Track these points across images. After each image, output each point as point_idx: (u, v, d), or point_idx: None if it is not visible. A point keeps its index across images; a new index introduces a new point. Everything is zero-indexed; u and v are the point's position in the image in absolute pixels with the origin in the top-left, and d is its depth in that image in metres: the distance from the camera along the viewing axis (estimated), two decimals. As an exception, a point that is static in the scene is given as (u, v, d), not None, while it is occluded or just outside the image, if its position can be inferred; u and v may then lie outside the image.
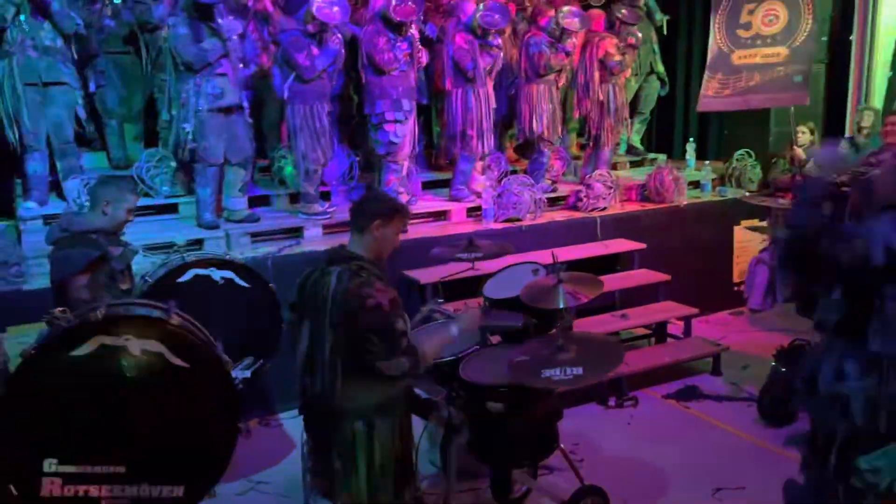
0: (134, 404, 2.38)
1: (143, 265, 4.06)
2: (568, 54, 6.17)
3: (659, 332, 5.54)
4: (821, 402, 2.49)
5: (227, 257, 4.07)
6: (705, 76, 6.87)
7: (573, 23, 6.09)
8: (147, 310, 2.65)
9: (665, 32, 7.68)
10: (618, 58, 6.42)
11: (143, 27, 5.84)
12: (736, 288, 6.35)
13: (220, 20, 4.86)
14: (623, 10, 6.62)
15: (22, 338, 3.63)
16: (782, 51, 6.53)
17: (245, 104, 5.15)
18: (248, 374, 3.35)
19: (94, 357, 2.32)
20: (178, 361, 2.43)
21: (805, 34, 6.43)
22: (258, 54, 5.68)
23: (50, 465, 2.26)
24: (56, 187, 5.43)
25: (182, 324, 2.60)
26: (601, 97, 6.48)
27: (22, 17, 4.93)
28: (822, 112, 7.23)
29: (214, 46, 4.82)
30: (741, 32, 6.71)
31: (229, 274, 3.75)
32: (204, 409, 2.49)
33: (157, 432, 2.40)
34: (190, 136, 4.93)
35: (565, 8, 6.18)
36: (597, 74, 6.48)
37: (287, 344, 3.78)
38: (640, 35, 6.69)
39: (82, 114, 5.34)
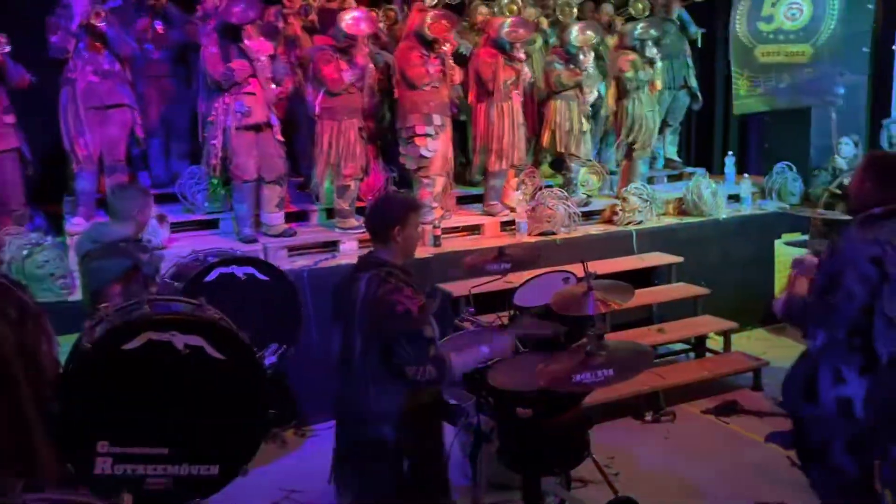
0: (176, 393, 2.59)
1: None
2: (581, 71, 6.14)
3: (697, 346, 5.45)
4: (821, 408, 2.53)
5: (245, 254, 4.29)
6: (733, 72, 6.78)
7: (583, 39, 6.10)
8: (183, 305, 2.83)
9: (700, 45, 7.62)
10: (630, 74, 6.39)
11: (189, 46, 6.03)
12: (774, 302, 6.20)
13: (247, 41, 5.01)
14: (641, 25, 6.57)
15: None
16: (806, 49, 6.40)
17: (275, 122, 5.24)
18: (274, 359, 3.52)
19: (143, 351, 2.52)
20: (216, 354, 2.60)
21: (828, 33, 6.29)
22: (287, 75, 5.82)
23: (102, 446, 2.48)
24: (103, 204, 5.61)
25: (218, 318, 2.76)
26: (632, 112, 6.46)
27: (81, 46, 5.15)
28: (866, 124, 7.08)
29: (242, 66, 4.96)
30: (763, 26, 6.60)
31: (250, 269, 3.97)
32: (237, 396, 2.69)
33: (196, 418, 2.61)
34: (219, 153, 5.08)
35: (576, 25, 6.20)
36: (616, 90, 6.48)
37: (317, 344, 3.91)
38: (655, 51, 6.60)
39: (140, 132, 5.52)
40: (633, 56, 6.43)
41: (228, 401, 2.67)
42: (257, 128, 5.11)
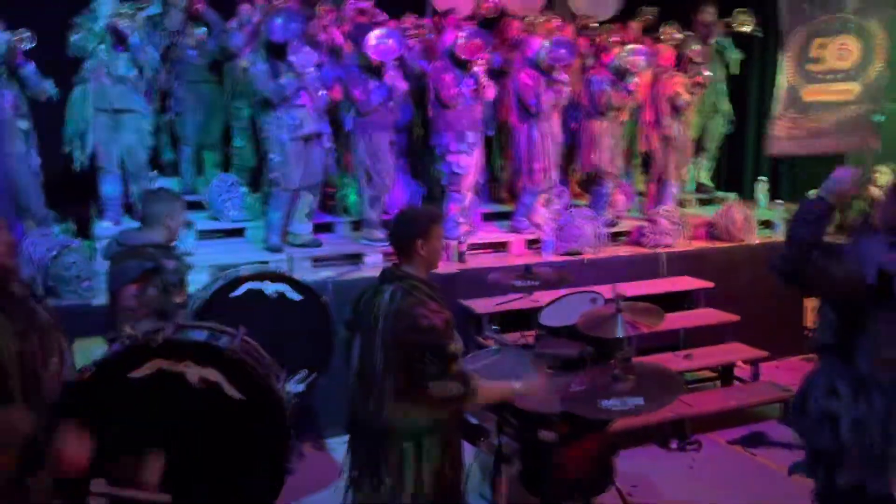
0: (184, 433, 2.33)
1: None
2: (630, 93, 6.11)
3: (725, 374, 5.32)
4: (810, 420, 2.49)
5: (280, 270, 4.10)
6: (774, 114, 6.70)
7: (637, 62, 6.05)
8: (212, 334, 2.58)
9: (738, 71, 7.53)
10: (686, 97, 6.35)
11: (223, 55, 6.07)
12: (807, 332, 6.06)
13: (292, 57, 5.05)
14: (694, 47, 6.54)
15: (89, 349, 3.76)
16: (854, 87, 6.31)
17: (326, 130, 5.29)
18: (301, 387, 3.34)
19: (151, 381, 2.27)
20: (234, 393, 2.35)
21: (877, 71, 6.21)
22: (333, 85, 5.85)
23: (97, 485, 2.21)
24: (129, 209, 5.65)
25: (245, 353, 2.51)
26: (668, 133, 6.41)
27: (102, 47, 5.20)
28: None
29: (290, 81, 5.00)
30: (811, 67, 6.54)
31: (283, 287, 3.76)
32: (254, 446, 2.42)
33: (207, 462, 2.35)
34: (272, 168, 5.13)
35: (629, 46, 6.15)
36: (665, 111, 6.41)
37: (340, 362, 3.82)
38: (708, 74, 6.57)
39: (150, 140, 5.56)
40: (684, 78, 6.40)
41: (243, 450, 2.39)
42: (307, 138, 5.16)
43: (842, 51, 6.39)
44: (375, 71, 5.36)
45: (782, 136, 6.64)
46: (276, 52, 5.04)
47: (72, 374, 2.30)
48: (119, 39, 5.21)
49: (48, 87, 5.15)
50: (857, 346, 2.39)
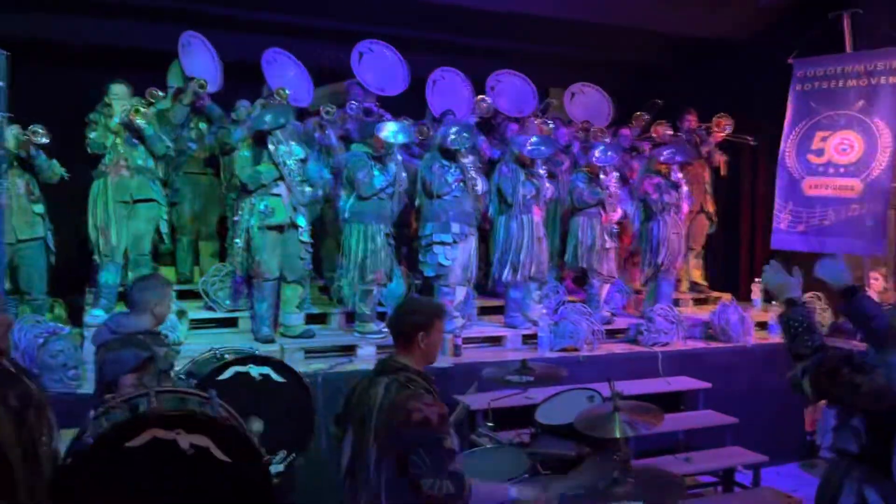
0: (177, 495, 2.45)
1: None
2: (602, 189, 6.22)
3: (726, 479, 5.15)
4: None
5: (262, 353, 4.12)
6: (776, 205, 6.71)
7: (606, 159, 6.22)
8: (192, 399, 2.72)
9: (723, 174, 7.70)
10: (655, 196, 6.45)
11: (222, 149, 6.21)
12: (809, 437, 5.93)
13: (272, 146, 5.17)
14: (667, 152, 6.68)
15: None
16: (856, 184, 6.31)
17: (303, 224, 5.31)
18: (281, 467, 3.31)
19: (146, 450, 2.40)
20: (222, 456, 2.46)
21: (880, 170, 6.27)
22: (325, 181, 5.93)
23: None
24: (123, 297, 5.61)
25: (227, 417, 2.64)
26: (657, 234, 6.51)
27: (118, 142, 5.35)
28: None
29: (268, 170, 5.10)
30: (812, 158, 6.56)
31: (266, 370, 3.80)
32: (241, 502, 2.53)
33: None
34: (241, 251, 5.16)
35: (600, 146, 6.33)
36: (642, 211, 6.55)
37: (326, 453, 3.73)
38: (679, 176, 6.67)
39: (164, 228, 5.63)
40: (658, 179, 6.51)
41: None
42: (280, 228, 5.17)
43: (843, 145, 6.45)
44: (379, 160, 5.47)
45: (785, 229, 6.64)
46: (262, 142, 5.15)
47: (59, 452, 2.39)
48: (134, 133, 5.35)
49: (58, 169, 5.25)
50: (891, 455, 2.32)
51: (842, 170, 6.41)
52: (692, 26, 7.61)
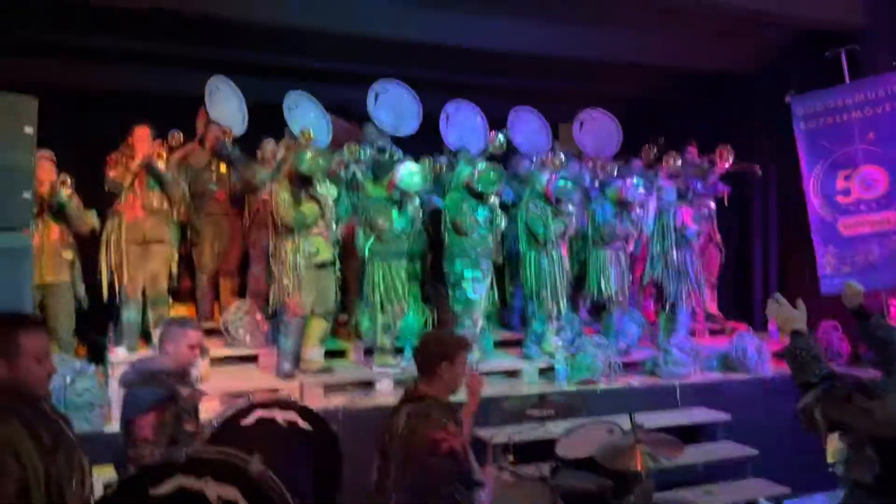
0: None
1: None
2: (632, 223, 6.30)
3: (748, 512, 5.11)
4: None
5: (290, 399, 4.02)
6: (817, 251, 6.62)
7: (636, 193, 6.29)
8: (229, 458, 2.60)
9: (726, 203, 7.73)
10: (694, 227, 6.52)
11: (246, 188, 6.34)
12: (830, 469, 5.86)
13: (317, 187, 5.31)
14: (699, 183, 6.77)
15: (101, 478, 3.68)
16: (892, 216, 6.21)
17: (337, 260, 5.45)
18: None
19: (172, 498, 2.30)
20: None
21: None
22: (349, 217, 6.06)
23: None
24: (145, 336, 5.71)
25: (262, 474, 2.52)
26: (677, 264, 6.53)
27: (136, 183, 5.47)
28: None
29: (312, 210, 5.22)
30: (841, 199, 6.48)
31: (292, 416, 3.68)
32: None
33: None
34: (289, 291, 5.24)
35: (629, 180, 6.41)
36: (673, 241, 6.58)
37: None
38: (712, 205, 6.77)
39: (174, 269, 5.73)
40: (691, 210, 6.63)
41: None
42: (321, 266, 5.32)
43: (868, 180, 6.42)
44: (397, 202, 5.59)
45: (831, 273, 6.54)
46: (301, 183, 5.29)
47: (91, 495, 2.31)
48: (153, 176, 5.49)
49: (90, 219, 5.38)
50: None
51: (874, 205, 6.33)
52: (697, 60, 7.74)
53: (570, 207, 6.15)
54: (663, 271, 6.60)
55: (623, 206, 6.33)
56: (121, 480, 2.42)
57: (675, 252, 6.54)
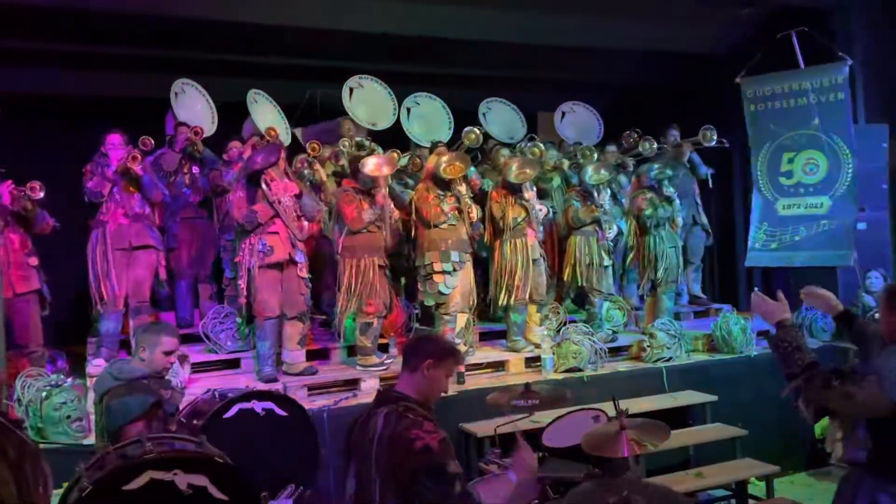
0: None
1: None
2: (597, 207, 6.27)
3: (739, 492, 5.11)
4: None
5: (265, 389, 4.19)
6: (752, 227, 6.84)
7: (599, 178, 6.28)
8: (184, 443, 2.73)
9: (710, 185, 7.76)
10: (649, 211, 6.50)
11: (214, 190, 6.25)
12: (819, 445, 5.89)
13: (265, 186, 5.18)
14: (657, 166, 6.74)
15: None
16: (825, 202, 6.49)
17: (301, 259, 5.31)
18: (290, 502, 3.30)
19: (144, 492, 2.40)
20: (219, 495, 2.46)
21: (845, 185, 6.39)
22: (317, 212, 5.97)
23: None
24: (125, 345, 5.62)
25: (219, 455, 2.65)
26: (645, 249, 6.55)
27: (115, 190, 5.39)
28: (893, 257, 6.99)
29: (263, 208, 5.12)
30: (784, 180, 6.74)
31: (269, 405, 3.83)
32: None
33: None
34: (244, 292, 5.14)
35: (591, 165, 6.39)
36: (636, 228, 6.59)
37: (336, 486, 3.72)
38: (672, 189, 6.73)
39: (163, 273, 5.63)
40: (650, 195, 6.56)
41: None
42: (280, 266, 5.19)
43: (809, 164, 6.62)
44: (367, 194, 5.50)
45: (759, 248, 6.76)
46: (256, 181, 5.19)
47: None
48: (132, 181, 5.38)
49: (50, 220, 5.27)
50: None
51: (811, 189, 6.58)
52: (673, 42, 7.74)
53: (530, 193, 6.09)
54: (642, 257, 6.58)
55: (586, 191, 6.31)
56: (94, 481, 2.41)
57: (649, 237, 6.53)
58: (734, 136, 7.83)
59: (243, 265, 5.16)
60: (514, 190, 6.01)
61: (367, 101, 6.94)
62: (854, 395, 2.35)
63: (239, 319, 5.76)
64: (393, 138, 6.88)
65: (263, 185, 5.17)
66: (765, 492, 5.04)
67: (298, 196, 5.31)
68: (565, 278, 6.44)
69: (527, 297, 5.98)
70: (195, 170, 6.35)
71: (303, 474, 3.82)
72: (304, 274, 5.33)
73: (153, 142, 5.67)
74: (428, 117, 6.89)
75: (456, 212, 5.69)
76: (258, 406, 3.76)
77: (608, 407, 3.88)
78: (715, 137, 7.27)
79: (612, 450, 2.91)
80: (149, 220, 5.51)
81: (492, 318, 6.76)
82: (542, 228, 6.27)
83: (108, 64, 6.67)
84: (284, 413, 3.88)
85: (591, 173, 6.35)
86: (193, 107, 6.14)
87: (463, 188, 5.81)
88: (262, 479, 3.12)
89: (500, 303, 6.00)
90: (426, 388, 2.49)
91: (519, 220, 5.96)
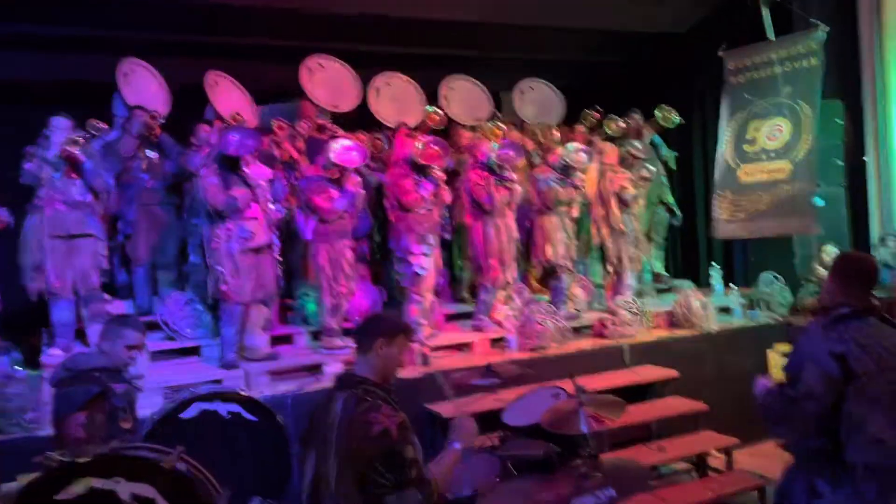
0: None
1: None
2: (576, 188, 6.29)
3: (700, 464, 5.21)
4: None
5: (233, 390, 3.92)
6: (714, 195, 6.92)
7: (580, 159, 6.27)
8: (148, 452, 2.44)
9: (674, 167, 7.84)
10: (632, 191, 6.55)
11: (182, 175, 6.12)
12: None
13: (246, 169, 5.12)
14: (637, 144, 6.81)
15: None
16: (785, 165, 6.57)
17: (276, 243, 5.28)
18: None
19: (82, 501, 2.11)
20: None
21: (805, 150, 6.49)
22: (286, 196, 5.90)
23: None
24: (81, 335, 5.49)
25: (183, 469, 2.35)
26: (619, 227, 6.58)
27: (56, 175, 5.18)
28: (848, 233, 7.14)
29: (243, 194, 5.03)
30: (747, 147, 6.84)
31: (236, 408, 3.58)
32: None
33: None
34: (227, 278, 5.06)
35: (572, 145, 6.38)
36: (613, 206, 6.60)
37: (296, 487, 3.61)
38: (653, 169, 6.82)
39: (104, 264, 5.47)
40: (629, 174, 6.63)
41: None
42: (258, 250, 5.14)
43: (774, 131, 6.71)
44: (336, 181, 5.44)
45: (724, 218, 6.85)
46: (230, 166, 5.10)
47: None
48: (73, 166, 5.22)
49: (3, 215, 5.10)
50: (842, 437, 2.40)
51: (772, 154, 6.67)
52: (634, 22, 7.75)
53: (513, 175, 6.09)
54: (606, 235, 6.63)
55: (564, 171, 6.29)
56: (22, 487, 2.17)
57: (615, 216, 6.58)
58: (696, 114, 7.91)
59: (221, 251, 5.07)
60: (495, 171, 5.99)
61: (329, 83, 6.85)
62: (797, 399, 2.44)
63: (200, 306, 5.70)
64: (357, 120, 6.82)
65: (245, 170, 5.09)
66: (725, 464, 5.15)
67: (272, 181, 5.24)
68: (546, 256, 6.42)
69: (506, 277, 6.00)
70: (153, 155, 6.19)
71: (271, 486, 3.57)
72: (278, 257, 5.29)
73: (105, 126, 5.50)
74: (399, 98, 6.81)
75: (433, 197, 5.68)
76: (223, 408, 3.52)
77: (568, 384, 3.92)
78: (671, 118, 7.33)
79: (570, 427, 2.94)
80: (90, 208, 5.30)
81: (458, 299, 6.77)
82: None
83: (58, 45, 6.46)
84: (253, 417, 3.62)
85: (573, 155, 6.31)
86: (145, 88, 5.96)
87: (439, 172, 5.77)
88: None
89: (487, 284, 6.01)
90: (382, 368, 2.46)
91: (504, 201, 5.99)
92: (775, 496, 2.64)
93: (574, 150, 6.31)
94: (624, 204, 6.59)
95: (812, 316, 6.01)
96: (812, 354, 2.44)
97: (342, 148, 5.46)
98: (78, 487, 2.09)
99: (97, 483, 2.12)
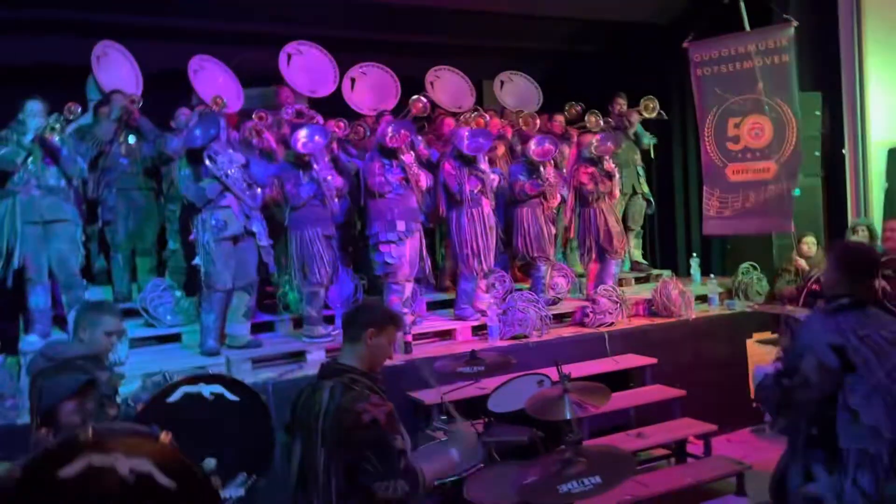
0: None
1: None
2: (544, 181, 6.31)
3: (678, 451, 5.28)
4: None
5: (215, 372, 3.97)
6: (704, 192, 6.95)
7: (544, 152, 6.30)
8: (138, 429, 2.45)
9: (653, 156, 7.89)
10: (590, 187, 6.58)
11: (161, 159, 6.04)
12: (755, 404, 6.13)
13: (209, 162, 5.03)
14: (595, 143, 6.80)
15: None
16: (771, 166, 6.62)
17: (257, 229, 5.21)
18: (241, 491, 3.17)
19: (82, 479, 2.09)
20: (165, 481, 2.20)
21: (790, 152, 6.55)
22: (270, 183, 5.84)
23: None
24: (60, 321, 5.42)
25: (168, 440, 2.36)
26: (587, 221, 6.65)
27: (30, 161, 5.07)
28: (823, 224, 7.25)
29: (211, 185, 4.99)
30: (731, 146, 6.84)
31: (218, 389, 3.58)
32: None
33: None
34: (202, 269, 5.04)
35: (534, 139, 6.42)
36: (577, 200, 6.68)
37: (280, 464, 3.64)
38: (613, 165, 6.80)
39: (81, 249, 5.39)
40: (591, 169, 6.62)
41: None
42: (235, 238, 5.10)
43: (755, 129, 6.73)
44: (306, 167, 5.41)
45: (714, 216, 6.88)
46: (198, 158, 5.05)
47: None
48: (48, 152, 5.12)
49: None
50: (839, 425, 2.42)
51: (758, 154, 6.70)
52: (615, 12, 7.76)
53: (485, 164, 6.09)
54: (584, 228, 6.68)
55: (532, 163, 6.32)
56: (24, 465, 2.12)
57: (590, 209, 6.64)
58: (675, 105, 7.95)
59: (199, 242, 5.04)
60: (468, 161, 5.98)
61: (307, 68, 6.79)
62: (794, 389, 2.45)
63: (179, 292, 5.64)
64: (335, 107, 6.76)
65: (207, 161, 5.02)
66: (703, 450, 5.23)
67: (246, 165, 5.18)
68: (514, 248, 6.47)
69: (483, 266, 6.01)
70: (131, 139, 6.10)
71: (256, 463, 3.59)
72: (265, 242, 5.23)
73: (79, 110, 5.39)
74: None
75: (402, 181, 5.64)
76: (206, 389, 3.52)
77: (551, 371, 3.95)
78: (654, 108, 7.37)
79: (555, 413, 2.96)
80: (65, 193, 5.21)
81: (439, 288, 6.78)
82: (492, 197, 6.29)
83: (29, 28, 6.33)
84: (235, 398, 3.62)
85: (535, 147, 6.33)
86: (118, 72, 5.85)
87: (408, 156, 5.75)
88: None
89: (463, 272, 6.01)
90: (370, 357, 2.46)
91: (476, 190, 5.97)
92: (771, 480, 2.67)
93: (536, 144, 6.32)
94: (583, 197, 6.63)
95: (789, 304, 6.11)
96: (812, 345, 2.45)
97: (305, 136, 5.42)
98: (78, 465, 2.08)
99: (95, 459, 2.10)
